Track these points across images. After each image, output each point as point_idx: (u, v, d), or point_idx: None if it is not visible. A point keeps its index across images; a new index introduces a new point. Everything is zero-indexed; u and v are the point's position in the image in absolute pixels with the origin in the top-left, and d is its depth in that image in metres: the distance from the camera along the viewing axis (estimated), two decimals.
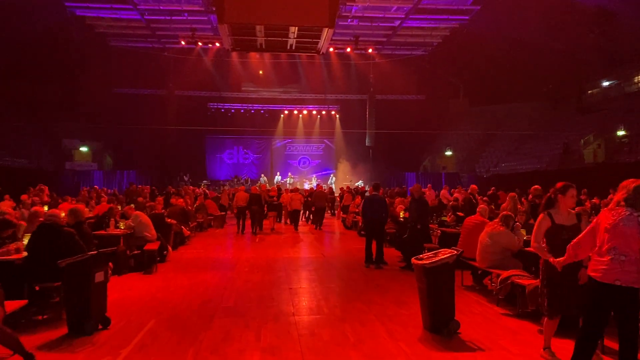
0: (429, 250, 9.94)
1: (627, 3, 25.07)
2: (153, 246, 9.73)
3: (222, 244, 14.07)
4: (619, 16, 25.62)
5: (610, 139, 24.77)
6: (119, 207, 14.85)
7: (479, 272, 8.10)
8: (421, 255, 6.09)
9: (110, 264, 9.24)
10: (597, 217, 4.33)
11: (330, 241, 14.60)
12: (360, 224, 16.31)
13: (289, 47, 19.08)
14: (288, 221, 19.00)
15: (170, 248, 10.92)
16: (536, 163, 26.45)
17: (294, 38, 17.96)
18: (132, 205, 13.70)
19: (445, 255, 5.77)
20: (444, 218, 10.90)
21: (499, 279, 6.82)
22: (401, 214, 13.05)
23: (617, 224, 4.01)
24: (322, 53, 20.79)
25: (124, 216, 10.73)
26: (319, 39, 18.08)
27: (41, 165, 27.16)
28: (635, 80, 27.33)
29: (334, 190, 25.48)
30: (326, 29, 16.67)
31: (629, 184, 4.14)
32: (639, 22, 24.86)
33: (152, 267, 9.59)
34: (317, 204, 18.38)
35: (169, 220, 12.28)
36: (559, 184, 4.91)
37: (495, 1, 24.63)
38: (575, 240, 4.36)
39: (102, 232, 9.60)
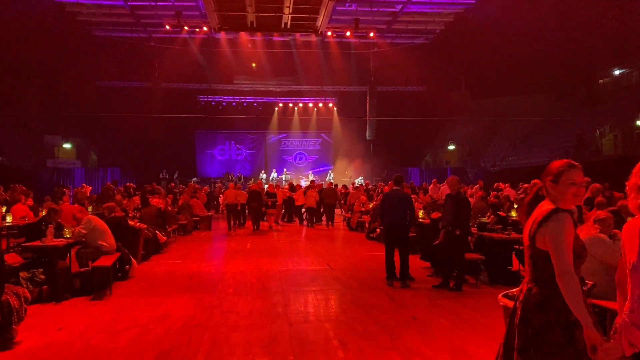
0: (472, 262, 7.39)
1: None
2: (105, 261, 7.08)
3: (207, 251, 11.43)
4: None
5: (627, 129, 22.40)
6: (90, 209, 12.30)
7: None
8: (514, 291, 3.47)
9: (45, 287, 6.69)
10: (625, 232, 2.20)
11: (335, 246, 11.96)
12: (367, 225, 13.79)
13: (283, 26, 16.55)
14: (303, 220, 17.46)
15: (134, 261, 8.26)
16: (548, 156, 23.93)
17: (289, 14, 15.44)
18: (89, 208, 11.15)
19: None
20: (483, 219, 8.29)
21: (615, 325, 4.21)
22: (420, 213, 10.50)
23: None
24: (321, 33, 18.22)
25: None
26: (318, 14, 15.58)
27: (20, 163, 24.43)
28: None
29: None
30: (326, 1, 14.13)
31: None
32: None
33: (105, 290, 6.96)
34: (327, 200, 16.45)
35: (138, 224, 9.64)
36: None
37: None
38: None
39: (37, 243, 6.96)
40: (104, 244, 7.58)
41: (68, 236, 7.38)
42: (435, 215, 8.56)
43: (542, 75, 28.27)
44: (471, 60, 28.35)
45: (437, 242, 7.72)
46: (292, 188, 18.30)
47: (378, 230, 12.65)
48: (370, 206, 14.10)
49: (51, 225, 7.06)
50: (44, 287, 6.64)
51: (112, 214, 8.40)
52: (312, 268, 8.95)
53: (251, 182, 22.82)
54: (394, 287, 7.25)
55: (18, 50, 24.25)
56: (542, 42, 26.00)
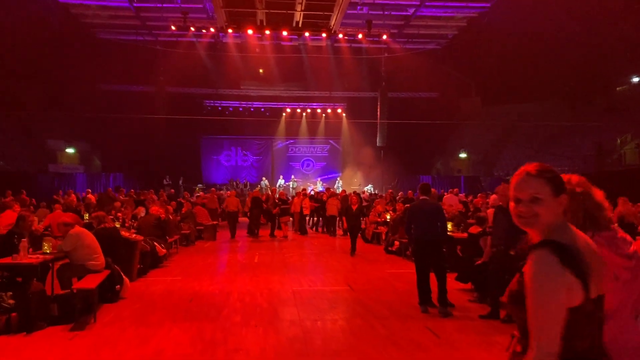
0: None
1: None
2: (90, 282, 5.86)
3: (210, 265, 10.17)
4: None
5: None
6: (86, 217, 11.12)
7: None
8: None
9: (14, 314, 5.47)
10: None
11: (352, 261, 10.66)
12: (384, 237, 12.54)
13: (294, 24, 15.41)
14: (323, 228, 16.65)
15: (126, 279, 7.02)
16: (567, 164, 22.70)
17: (301, 11, 14.29)
18: (85, 215, 9.98)
19: None
20: None
21: None
22: (449, 226, 9.25)
23: None
24: (334, 32, 17.06)
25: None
26: (332, 12, 14.44)
27: (22, 167, 23.38)
28: None
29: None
30: None
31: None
32: None
33: (89, 317, 5.74)
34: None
35: (134, 235, 8.44)
36: None
37: None
38: None
39: (8, 259, 5.74)
40: (92, 262, 6.37)
41: (47, 251, 6.20)
42: (475, 229, 7.30)
43: (556, 82, 27.08)
44: (484, 64, 27.17)
45: (479, 261, 6.48)
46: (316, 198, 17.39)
47: (397, 243, 11.43)
48: (388, 217, 12.86)
49: (24, 239, 5.82)
50: (13, 314, 5.43)
51: (102, 225, 7.18)
52: (331, 288, 7.69)
53: (257, 188, 21.70)
54: (432, 316, 5.98)
55: (21, 52, 23.28)
56: (556, 49, 24.87)
